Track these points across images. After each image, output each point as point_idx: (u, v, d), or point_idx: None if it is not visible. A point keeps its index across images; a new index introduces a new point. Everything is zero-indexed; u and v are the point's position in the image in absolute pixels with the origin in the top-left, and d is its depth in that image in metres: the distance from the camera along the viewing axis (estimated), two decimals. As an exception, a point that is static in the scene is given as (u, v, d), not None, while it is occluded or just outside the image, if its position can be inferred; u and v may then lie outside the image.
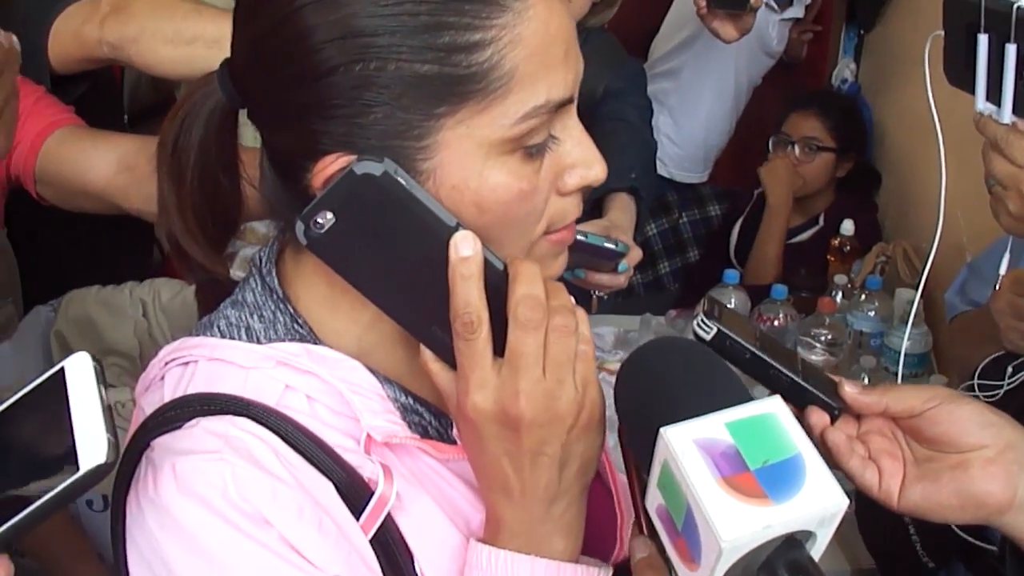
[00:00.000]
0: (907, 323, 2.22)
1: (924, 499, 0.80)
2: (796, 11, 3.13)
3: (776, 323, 2.30)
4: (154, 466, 0.76)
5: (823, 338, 2.24)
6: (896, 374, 2.20)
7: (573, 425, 0.75)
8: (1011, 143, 1.13)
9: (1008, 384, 1.53)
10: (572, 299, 0.76)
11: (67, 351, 1.96)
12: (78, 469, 0.64)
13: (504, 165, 0.74)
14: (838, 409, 0.84)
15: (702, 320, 0.82)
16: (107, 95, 2.02)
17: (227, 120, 0.82)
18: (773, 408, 0.70)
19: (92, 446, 0.65)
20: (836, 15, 3.31)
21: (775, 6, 2.99)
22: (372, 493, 0.77)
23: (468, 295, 0.72)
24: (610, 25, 2.28)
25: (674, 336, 1.05)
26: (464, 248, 0.72)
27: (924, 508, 0.80)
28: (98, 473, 0.64)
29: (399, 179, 0.71)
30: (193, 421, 0.78)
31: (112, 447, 0.65)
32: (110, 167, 1.50)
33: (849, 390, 0.83)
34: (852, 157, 2.89)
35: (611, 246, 1.65)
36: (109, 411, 0.67)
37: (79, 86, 1.66)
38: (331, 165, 0.74)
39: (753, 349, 0.82)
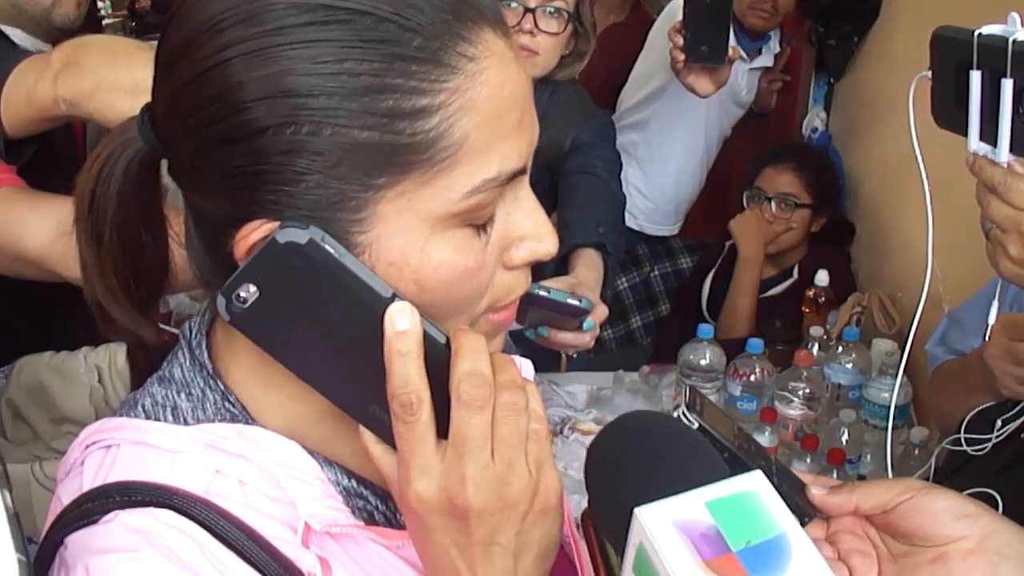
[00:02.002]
0: (886, 375, 2.21)
1: None
2: (765, 60, 3.14)
3: (752, 377, 2.25)
4: (67, 566, 0.69)
5: (801, 392, 2.20)
6: (876, 427, 2.18)
7: (528, 511, 0.68)
8: (1009, 186, 1.09)
9: (996, 437, 1.50)
10: (521, 371, 0.69)
11: (19, 419, 1.91)
12: None
13: (449, 241, 0.68)
14: (810, 517, 0.81)
15: (684, 413, 0.81)
16: (63, 154, 1.96)
17: (148, 171, 0.75)
18: (754, 485, 0.66)
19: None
20: (806, 64, 3.32)
21: (744, 55, 2.99)
22: None
23: (406, 373, 0.65)
24: (579, 77, 2.25)
25: (649, 410, 1.02)
26: (401, 322, 0.65)
27: None
28: None
29: (327, 247, 0.64)
30: (111, 515, 0.70)
31: (24, 567, 0.58)
32: (47, 233, 1.41)
33: (816, 493, 0.79)
34: (827, 212, 2.88)
35: (575, 303, 1.58)
36: (16, 521, 0.60)
37: (30, 145, 1.59)
38: (254, 233, 0.67)
39: (733, 448, 0.82)
